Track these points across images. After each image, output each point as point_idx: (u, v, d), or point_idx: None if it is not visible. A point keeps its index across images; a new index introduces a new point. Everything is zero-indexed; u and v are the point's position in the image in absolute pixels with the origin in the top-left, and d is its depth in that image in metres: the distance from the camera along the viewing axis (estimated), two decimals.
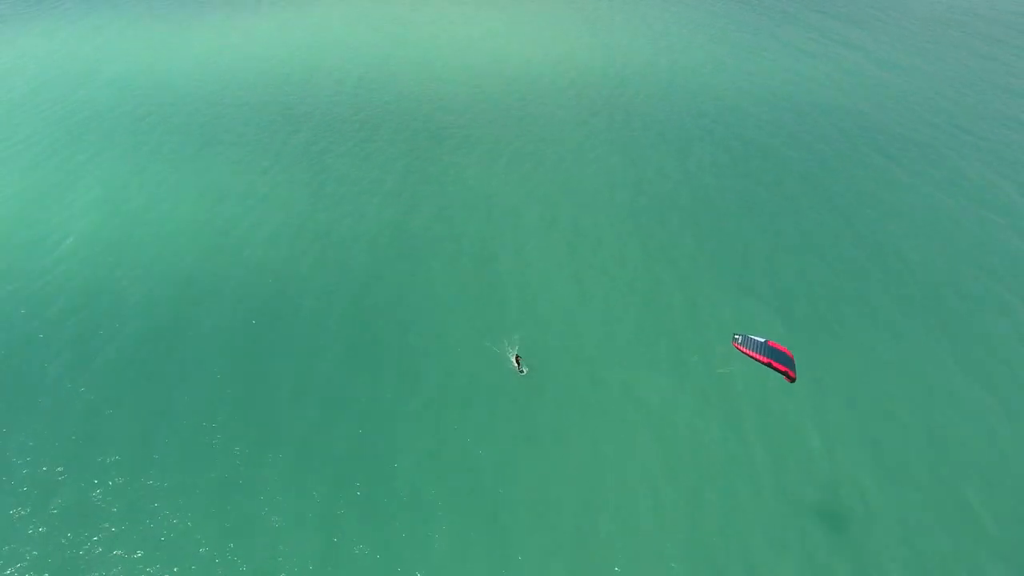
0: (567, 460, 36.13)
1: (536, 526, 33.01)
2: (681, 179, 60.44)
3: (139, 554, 31.71)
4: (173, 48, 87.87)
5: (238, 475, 35.22)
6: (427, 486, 34.64)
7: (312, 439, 37.11)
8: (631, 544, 32.28)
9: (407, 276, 48.72)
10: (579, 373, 41.08)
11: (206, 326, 44.38)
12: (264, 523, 33.01)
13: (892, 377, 41.02)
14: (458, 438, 37.10)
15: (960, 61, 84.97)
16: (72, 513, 33.46)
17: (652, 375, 40.92)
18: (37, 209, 55.91)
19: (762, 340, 32.89)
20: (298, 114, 71.64)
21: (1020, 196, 58.06)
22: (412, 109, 72.89)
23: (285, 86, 77.61)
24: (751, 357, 32.60)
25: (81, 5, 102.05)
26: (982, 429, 37.88)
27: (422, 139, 67.15)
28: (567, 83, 78.66)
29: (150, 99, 74.45)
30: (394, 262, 50.17)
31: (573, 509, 33.79)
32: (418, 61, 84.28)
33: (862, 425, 38.05)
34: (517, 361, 40.96)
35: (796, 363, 33.88)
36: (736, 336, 33.74)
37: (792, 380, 32.37)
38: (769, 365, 31.98)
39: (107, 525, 32.91)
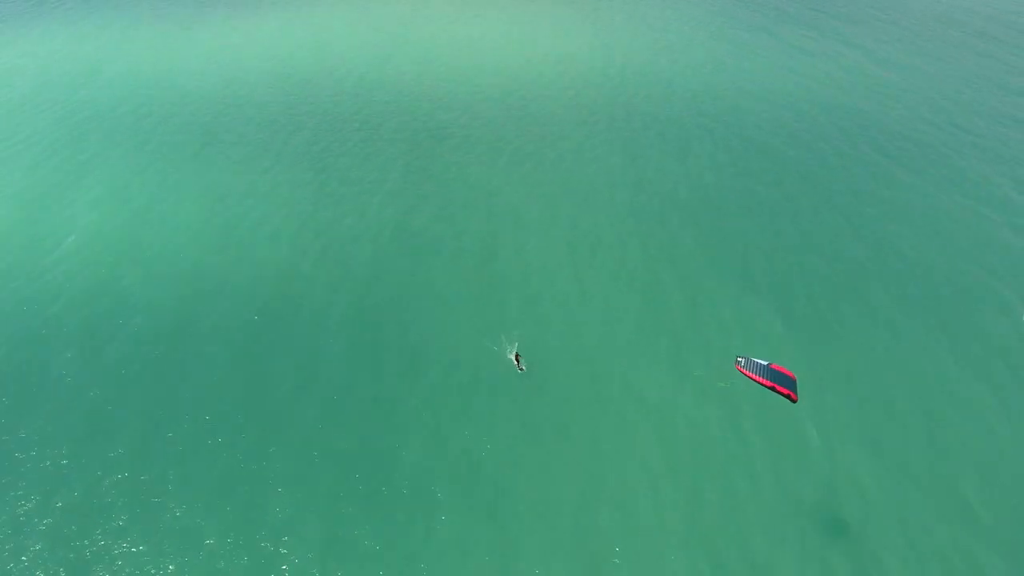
0: (567, 455, 36.36)
1: (537, 520, 33.26)
2: (681, 178, 60.63)
3: (143, 547, 31.99)
4: (174, 48, 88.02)
5: (242, 468, 35.54)
6: (429, 480, 34.91)
7: (314, 433, 37.42)
8: (631, 538, 32.50)
9: (408, 274, 48.93)
10: (579, 370, 41.30)
11: (209, 323, 44.60)
12: (268, 516, 33.34)
13: (891, 374, 41.21)
14: (459, 433, 37.34)
15: (959, 59, 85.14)
16: (78, 506, 33.77)
17: (652, 372, 41.12)
18: (38, 208, 56.09)
19: (765, 363, 33.36)
20: (299, 113, 71.81)
21: (1018, 194, 58.26)
22: (413, 108, 73.05)
23: (286, 85, 77.77)
24: (754, 380, 33.01)
25: (82, 5, 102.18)
26: (980, 426, 38.08)
27: (423, 138, 67.34)
28: (567, 82, 78.83)
29: (151, 99, 74.60)
30: (395, 260, 50.37)
31: (573, 503, 34.04)
32: (419, 60, 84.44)
33: (861, 422, 38.26)
34: (516, 359, 41.17)
35: (799, 381, 34.36)
36: (739, 359, 34.12)
37: (794, 402, 32.90)
38: (772, 389, 32.46)
39: (113, 518, 33.22)
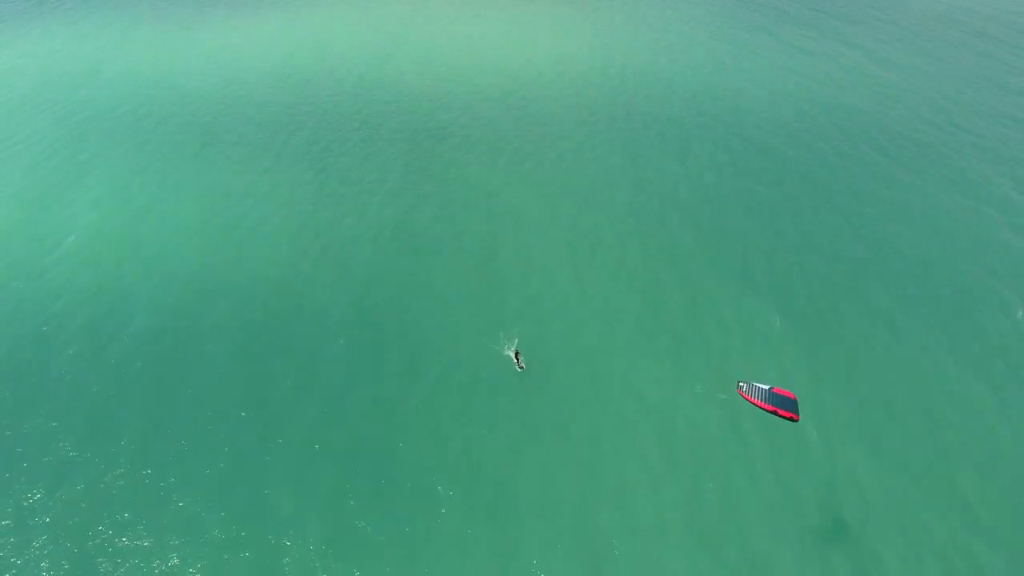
0: (567, 454, 36.43)
1: (537, 516, 33.39)
2: (681, 178, 60.67)
3: (147, 542, 32.15)
4: (174, 48, 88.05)
5: (243, 465, 35.73)
6: (429, 477, 35.02)
7: (316, 431, 37.59)
8: (630, 534, 32.57)
9: (408, 274, 48.99)
10: (579, 369, 41.37)
11: (210, 321, 44.69)
12: (270, 511, 33.52)
13: (891, 374, 41.26)
14: (459, 432, 37.44)
15: (959, 59, 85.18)
16: (81, 501, 33.95)
17: (652, 370, 41.18)
18: (39, 208, 56.14)
19: (767, 387, 33.83)
20: (299, 113, 71.84)
21: (1018, 194, 58.31)
22: (413, 108, 73.09)
23: (286, 85, 77.80)
24: (756, 406, 33.29)
25: (82, 5, 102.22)
26: (980, 426, 38.12)
27: (423, 138, 67.38)
28: (567, 82, 78.86)
29: (151, 99, 74.63)
30: (395, 260, 50.43)
31: (573, 501, 34.13)
32: (419, 60, 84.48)
33: (861, 422, 38.31)
34: (516, 356, 41.22)
35: (801, 390, 34.76)
36: (740, 384, 34.62)
37: (795, 421, 33.43)
38: (775, 413, 32.81)
39: (116, 512, 33.43)
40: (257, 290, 47.39)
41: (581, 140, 67.02)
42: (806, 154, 64.78)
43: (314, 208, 56.38)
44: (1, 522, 33.18)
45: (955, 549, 32.23)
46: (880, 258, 50.81)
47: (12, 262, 49.98)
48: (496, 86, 77.94)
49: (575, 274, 48.95)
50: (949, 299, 46.99)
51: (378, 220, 54.88)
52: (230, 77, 79.73)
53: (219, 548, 31.99)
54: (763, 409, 33.20)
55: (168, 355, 42.32)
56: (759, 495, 34.51)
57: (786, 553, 32.12)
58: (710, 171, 61.75)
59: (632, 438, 37.26)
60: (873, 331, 44.32)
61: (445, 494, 34.35)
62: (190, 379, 40.67)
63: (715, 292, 47.28)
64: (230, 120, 70.37)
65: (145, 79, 79.17)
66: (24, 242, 52.09)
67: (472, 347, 42.62)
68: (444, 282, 48.22)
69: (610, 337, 43.63)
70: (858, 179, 60.75)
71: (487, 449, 36.58)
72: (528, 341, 42.79)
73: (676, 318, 45.11)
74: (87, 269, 49.23)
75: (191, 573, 31.11)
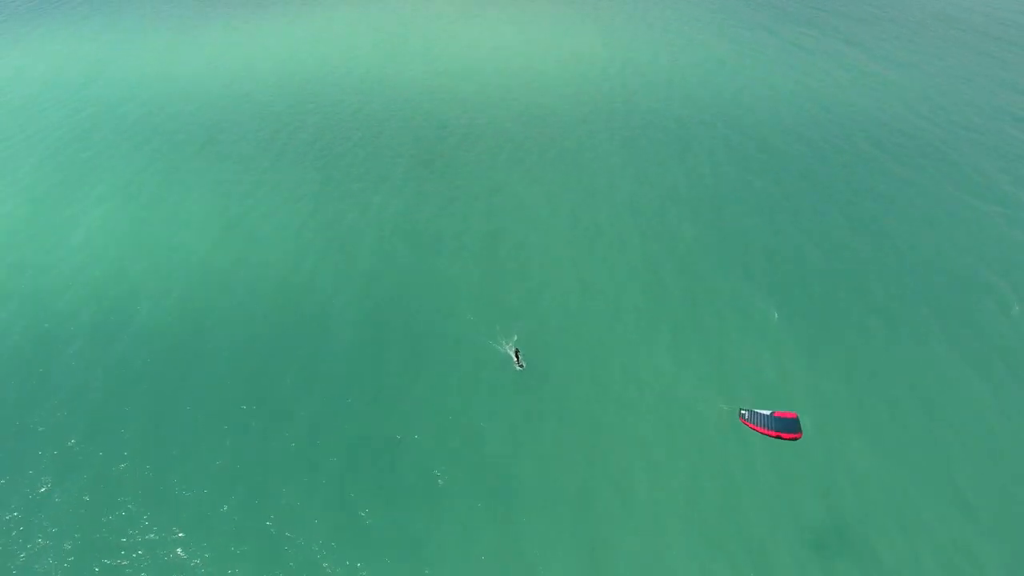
0: (569, 444, 36.81)
1: (540, 503, 33.89)
2: (681, 174, 60.96)
3: (153, 534, 32.51)
4: (178, 48, 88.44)
5: (248, 457, 36.12)
6: (433, 466, 35.50)
7: (321, 421, 38.06)
8: (631, 526, 32.94)
9: (410, 269, 49.34)
10: (580, 358, 41.78)
11: (214, 316, 45.08)
12: (275, 501, 33.93)
13: (890, 369, 41.51)
14: (462, 424, 37.83)
15: (957, 57, 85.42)
16: (87, 492, 34.40)
17: (652, 359, 41.54)
18: (46, 205, 56.55)
19: (767, 413, 34.39)
20: (301, 111, 72.18)
21: (1015, 189, 58.55)
22: (414, 107, 73.42)
23: (288, 84, 78.16)
24: (759, 432, 33.78)
25: (85, 6, 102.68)
26: (979, 423, 38.32)
27: (424, 136, 67.71)
28: (568, 80, 79.17)
29: (155, 98, 75.02)
30: (397, 256, 50.79)
31: (574, 491, 34.53)
32: (421, 59, 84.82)
33: (860, 410, 38.62)
34: (516, 355, 41.52)
35: (803, 404, 35.61)
36: (743, 412, 35.32)
37: (798, 440, 34.01)
38: (778, 438, 33.38)
39: (121, 505, 33.82)
40: (260, 286, 47.75)
41: (582, 137, 67.33)
42: (805, 150, 65.05)
43: (316, 205, 56.73)
44: (8, 514, 33.58)
45: (955, 547, 32.35)
46: (879, 253, 51.06)
47: (20, 257, 50.40)
48: (497, 85, 78.27)
49: (576, 269, 49.26)
50: (947, 294, 47.25)
51: (380, 217, 55.22)
52: (233, 76, 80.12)
53: (224, 540, 32.34)
54: (767, 435, 33.72)
55: (172, 349, 42.69)
56: (756, 481, 34.84)
57: (783, 537, 32.45)
58: (710, 168, 62.02)
59: (632, 430, 37.59)
60: (871, 326, 44.57)
61: (449, 478, 34.90)
62: (194, 373, 41.05)
63: (715, 287, 47.57)
64: (233, 118, 70.74)
65: (149, 79, 79.54)
66: (32, 238, 52.51)
67: (474, 341, 42.96)
68: (445, 278, 48.55)
69: (610, 330, 43.95)
70: (857, 175, 61.01)
71: (490, 439, 36.97)
72: (529, 334, 43.14)
73: (676, 312, 45.40)
74: (92, 266, 49.60)
75: (196, 565, 31.47)
